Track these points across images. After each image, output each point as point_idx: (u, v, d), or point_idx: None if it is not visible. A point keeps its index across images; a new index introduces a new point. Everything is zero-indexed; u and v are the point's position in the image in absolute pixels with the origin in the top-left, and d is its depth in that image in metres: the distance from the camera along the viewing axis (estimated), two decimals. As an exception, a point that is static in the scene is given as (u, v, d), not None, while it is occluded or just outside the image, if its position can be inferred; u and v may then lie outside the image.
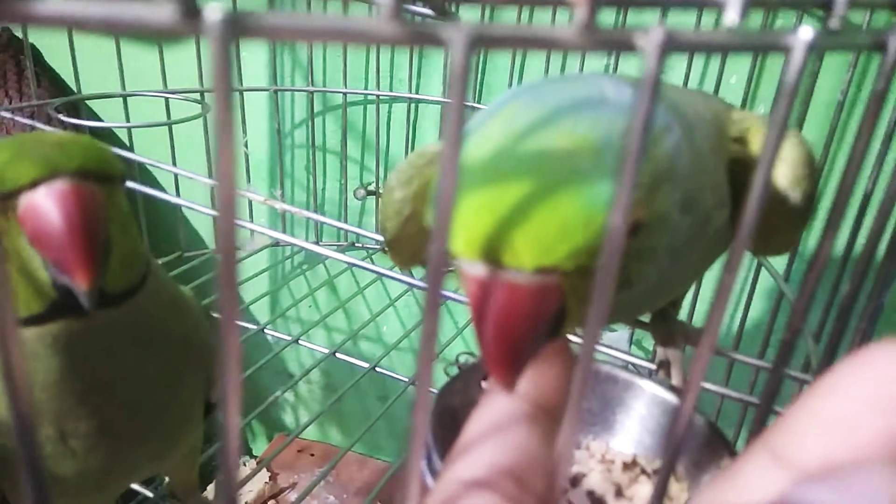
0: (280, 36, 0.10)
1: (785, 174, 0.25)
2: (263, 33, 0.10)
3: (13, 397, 0.11)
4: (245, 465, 0.99)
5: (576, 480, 0.30)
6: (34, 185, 0.26)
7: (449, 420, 0.30)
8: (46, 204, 0.26)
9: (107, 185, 0.28)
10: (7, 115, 0.62)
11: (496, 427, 0.17)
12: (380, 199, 0.33)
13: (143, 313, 0.31)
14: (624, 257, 0.13)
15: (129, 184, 0.51)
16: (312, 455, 0.91)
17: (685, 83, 0.63)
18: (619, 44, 0.12)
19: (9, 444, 0.31)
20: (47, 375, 0.29)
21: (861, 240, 0.26)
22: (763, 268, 0.60)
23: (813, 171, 0.26)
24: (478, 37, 0.11)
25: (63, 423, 0.31)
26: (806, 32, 0.13)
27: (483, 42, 0.11)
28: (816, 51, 0.13)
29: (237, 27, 0.10)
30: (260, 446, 1.06)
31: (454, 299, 0.43)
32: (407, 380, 0.60)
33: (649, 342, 0.77)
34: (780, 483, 0.11)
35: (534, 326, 0.17)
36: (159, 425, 0.35)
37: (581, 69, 0.67)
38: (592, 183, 0.17)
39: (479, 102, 0.72)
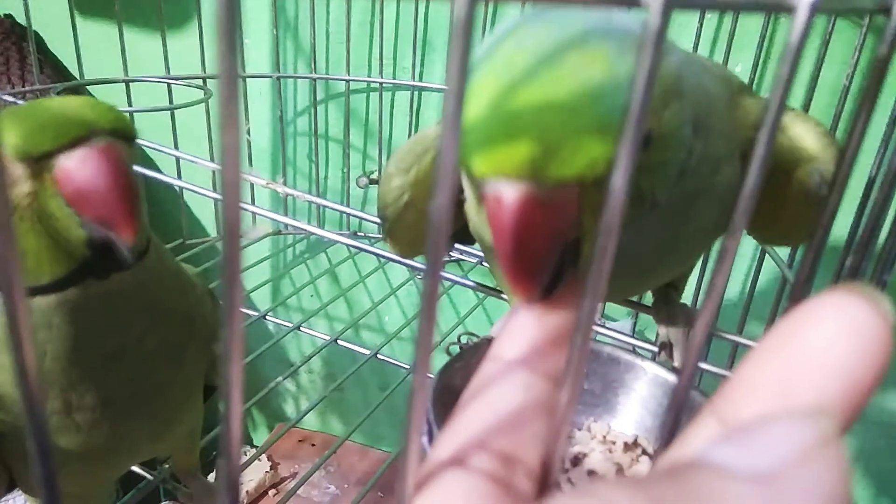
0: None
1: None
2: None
3: (21, 373, 0.10)
4: (246, 454, 0.99)
5: (577, 460, 0.30)
6: (73, 145, 0.27)
7: (450, 398, 0.30)
8: (90, 162, 0.27)
9: (129, 145, 0.29)
10: (9, 99, 0.62)
11: (489, 396, 0.16)
12: (379, 185, 0.34)
13: (150, 280, 0.32)
14: (637, 171, 0.13)
15: (133, 168, 0.51)
16: (313, 445, 0.91)
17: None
18: (622, -2, 0.12)
19: (16, 422, 0.32)
20: (60, 345, 0.29)
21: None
22: (767, 255, 0.60)
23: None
24: (479, -14, 0.10)
25: (69, 396, 0.31)
26: (811, -8, 0.12)
27: (485, -9, 0.11)
28: (820, 12, 0.13)
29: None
30: (261, 436, 1.07)
31: (456, 282, 0.43)
32: (408, 367, 0.60)
33: (652, 333, 0.76)
34: None
35: (553, 239, 0.18)
36: (160, 401, 0.35)
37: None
38: (607, 94, 0.17)
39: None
